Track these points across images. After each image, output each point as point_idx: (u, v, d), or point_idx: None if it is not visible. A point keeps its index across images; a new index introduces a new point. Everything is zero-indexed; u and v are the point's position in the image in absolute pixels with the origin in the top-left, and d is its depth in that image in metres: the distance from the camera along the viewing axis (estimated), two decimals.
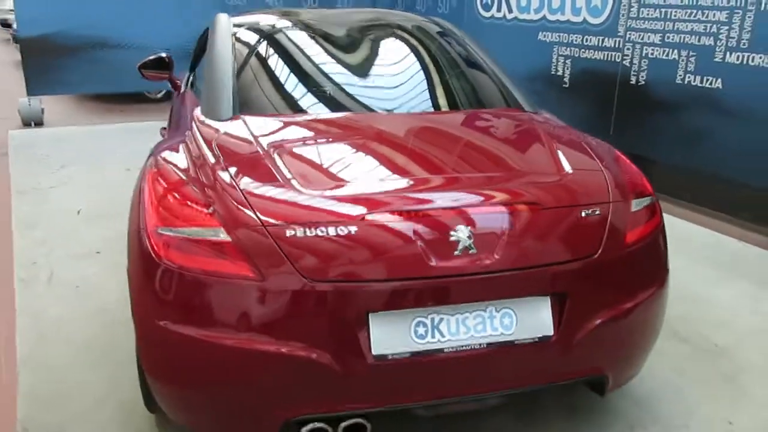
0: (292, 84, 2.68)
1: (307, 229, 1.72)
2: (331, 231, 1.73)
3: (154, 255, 1.80)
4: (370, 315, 1.72)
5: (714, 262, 3.77)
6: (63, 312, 3.04)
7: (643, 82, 4.80)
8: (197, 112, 2.50)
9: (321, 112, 2.53)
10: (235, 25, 2.98)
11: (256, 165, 2.03)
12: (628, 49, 4.89)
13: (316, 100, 2.59)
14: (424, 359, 1.75)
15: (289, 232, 1.72)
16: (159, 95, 8.30)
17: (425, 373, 1.78)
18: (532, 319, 1.83)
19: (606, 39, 5.06)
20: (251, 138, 2.19)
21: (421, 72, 2.87)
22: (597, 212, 1.93)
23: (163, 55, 3.82)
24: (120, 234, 3.74)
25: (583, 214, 1.92)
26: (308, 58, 2.82)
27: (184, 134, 2.38)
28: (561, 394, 2.43)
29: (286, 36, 2.99)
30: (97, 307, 3.09)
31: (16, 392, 2.45)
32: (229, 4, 7.45)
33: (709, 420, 2.36)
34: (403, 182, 1.96)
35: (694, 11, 4.37)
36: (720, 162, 4.30)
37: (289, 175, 1.94)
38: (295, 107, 2.56)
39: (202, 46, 3.62)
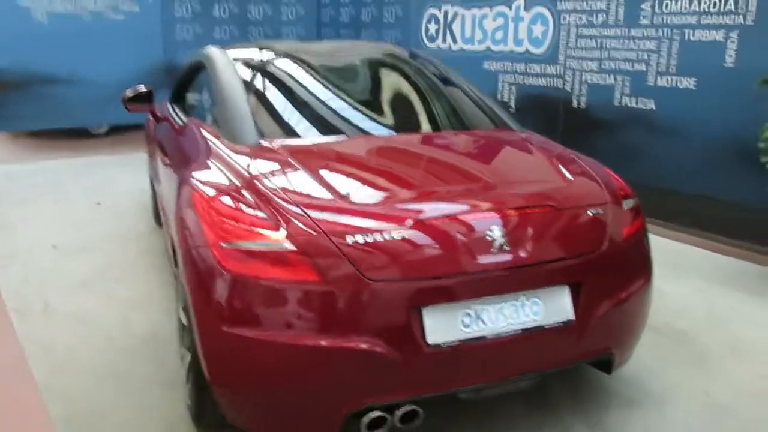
0: (304, 110, 2.89)
1: (364, 235, 1.94)
2: (385, 236, 1.95)
3: (220, 268, 1.96)
4: (423, 309, 1.95)
5: (658, 261, 4.20)
6: (70, 341, 3.06)
7: (584, 106, 5.30)
8: (217, 138, 2.66)
9: (338, 135, 2.75)
10: (234, 58, 3.17)
11: (302, 182, 2.22)
12: (568, 75, 5.39)
13: (330, 124, 2.82)
14: (471, 346, 1.99)
15: (348, 239, 1.93)
16: (103, 131, 8.19)
17: (472, 359, 2.02)
18: (555, 306, 2.11)
19: (548, 67, 5.55)
20: (286, 159, 2.38)
21: (423, 98, 3.17)
22: (600, 212, 2.26)
23: (146, 89, 3.93)
24: (106, 266, 3.84)
25: (590, 213, 2.24)
26: (313, 85, 3.04)
27: (207, 159, 2.54)
28: (564, 379, 2.72)
29: (286, 65, 3.20)
30: (104, 336, 3.12)
31: (47, 417, 2.48)
32: (178, 39, 7.52)
33: (691, 392, 2.71)
34: (437, 191, 2.21)
35: (627, 41, 4.91)
36: (655, 173, 4.81)
37: (336, 190, 2.15)
38: (312, 131, 2.77)
39: (186, 77, 3.79)
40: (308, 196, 2.12)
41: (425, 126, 2.97)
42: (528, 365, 2.13)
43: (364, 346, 1.90)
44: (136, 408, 2.55)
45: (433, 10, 6.64)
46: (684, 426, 2.48)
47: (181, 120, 3.37)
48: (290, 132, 2.73)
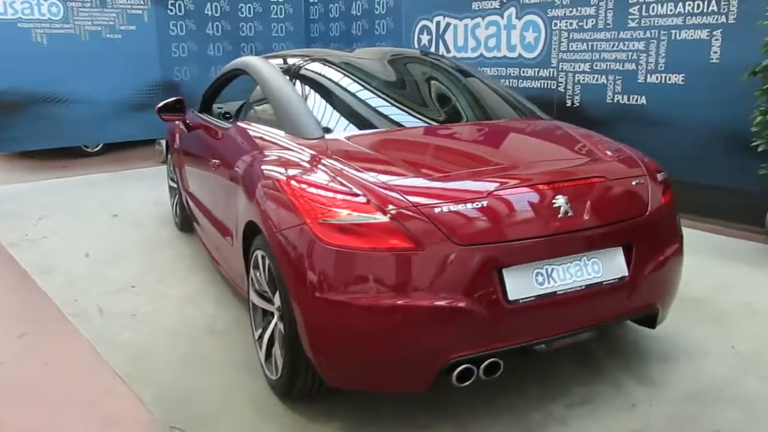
0: (356, 106, 3.13)
1: (448, 206, 2.18)
2: (468, 206, 2.20)
3: (321, 242, 2.18)
4: (503, 269, 2.19)
5: None
6: (138, 338, 3.21)
7: (578, 104, 5.66)
8: (280, 136, 2.88)
9: (390, 126, 3.00)
10: (277, 65, 3.40)
11: (377, 165, 2.46)
12: (561, 77, 5.76)
13: (381, 117, 3.06)
14: (544, 301, 2.24)
15: (436, 210, 2.17)
16: (97, 148, 8.25)
17: (544, 313, 2.27)
18: (612, 265, 2.38)
19: (541, 70, 5.91)
20: (355, 147, 2.62)
21: (461, 92, 3.44)
22: (641, 182, 2.55)
23: (177, 99, 4.14)
24: (145, 271, 4.00)
25: (634, 183, 2.53)
26: (358, 84, 3.28)
27: (278, 153, 2.75)
28: (603, 341, 2.99)
29: (327, 69, 3.43)
30: (168, 330, 3.28)
31: (137, 401, 2.63)
32: (174, 57, 7.68)
33: (717, 346, 3.00)
34: (503, 167, 2.48)
35: (617, 43, 5.30)
36: None
37: (411, 169, 2.39)
38: (367, 124, 3.00)
39: (218, 87, 4.01)
40: (388, 174, 2.35)
41: (468, 116, 3.25)
42: (590, 318, 2.39)
43: (456, 304, 2.13)
44: (220, 388, 2.72)
45: (425, 22, 6.96)
46: (719, 374, 2.77)
47: (225, 125, 3.57)
48: (347, 126, 2.96)
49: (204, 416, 2.53)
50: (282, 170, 2.55)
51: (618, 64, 5.32)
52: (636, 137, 5.24)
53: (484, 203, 2.22)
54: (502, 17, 6.17)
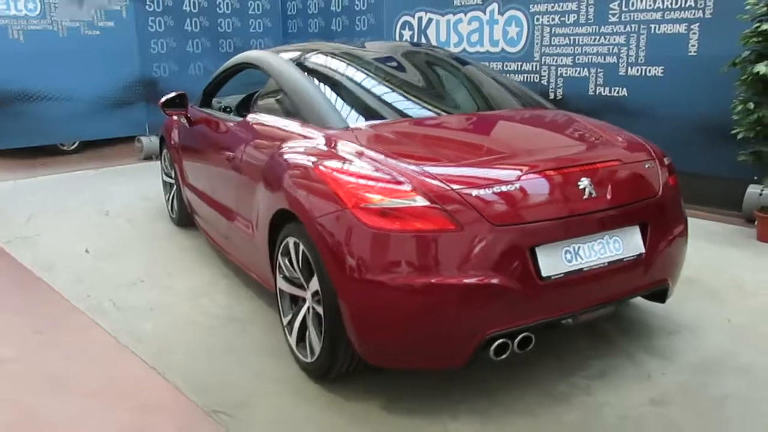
0: (373, 97, 3.22)
1: (484, 189, 2.31)
2: (502, 188, 2.32)
3: (364, 226, 2.27)
4: (536, 248, 2.33)
5: None
6: (159, 329, 3.23)
7: (560, 97, 5.86)
8: (303, 126, 2.95)
9: (410, 116, 3.10)
10: (290, 59, 3.46)
11: (409, 150, 2.56)
12: (544, 71, 5.95)
13: (400, 107, 3.15)
14: (572, 278, 2.38)
15: (473, 192, 2.29)
16: (74, 146, 8.11)
17: (572, 288, 2.41)
18: (631, 242, 2.54)
19: (524, 64, 6.09)
20: (383, 135, 2.72)
21: (471, 83, 3.57)
22: (652, 165, 2.72)
23: (179, 93, 4.16)
24: (150, 265, 4.02)
25: (646, 166, 2.70)
26: (373, 75, 3.37)
27: (304, 143, 2.82)
28: (611, 320, 3.16)
29: (340, 61, 3.50)
30: (186, 321, 3.32)
31: (173, 388, 2.68)
32: (153, 53, 7.61)
33: (714, 320, 3.21)
34: (529, 151, 2.61)
35: (598, 37, 5.51)
36: None
37: (442, 154, 2.51)
38: (387, 114, 3.09)
39: (221, 82, 4.05)
40: (422, 160, 2.45)
41: (482, 106, 3.38)
42: (612, 293, 2.55)
43: (494, 281, 2.25)
44: (251, 374, 2.79)
45: (406, 17, 7.07)
46: (720, 346, 2.96)
47: (235, 118, 3.62)
48: (368, 116, 3.05)
49: (241, 401, 2.59)
50: (315, 159, 2.62)
51: (599, 57, 5.54)
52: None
53: (517, 186, 2.35)
54: (485, 13, 6.34)
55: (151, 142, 7.70)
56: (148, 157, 7.70)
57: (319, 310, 2.54)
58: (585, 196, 2.43)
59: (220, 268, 4.03)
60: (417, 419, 2.45)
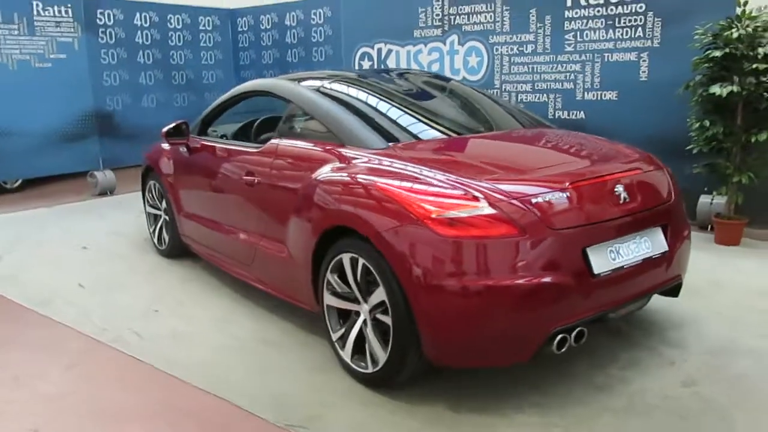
0: (401, 119, 3.39)
1: (540, 197, 2.54)
2: (555, 195, 2.57)
3: (436, 235, 2.44)
4: (587, 248, 2.58)
5: None
6: (194, 353, 3.23)
7: None
8: (341, 147, 3.09)
9: (441, 135, 3.31)
10: (309, 86, 3.62)
11: (459, 166, 2.77)
12: (505, 96, 6.35)
13: (429, 128, 3.35)
14: (617, 274, 2.65)
15: (532, 200, 2.52)
16: (17, 184, 7.74)
17: (617, 284, 2.68)
18: (657, 242, 2.85)
19: (485, 90, 6.47)
20: (428, 152, 2.91)
21: (484, 106, 3.83)
22: (662, 173, 3.06)
23: (182, 121, 4.20)
24: (156, 296, 4.02)
25: (659, 174, 3.03)
26: (395, 99, 3.57)
27: (349, 164, 2.96)
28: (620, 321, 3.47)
29: (360, 86, 3.68)
30: (220, 345, 3.32)
31: (235, 408, 2.70)
32: (105, 86, 7.45)
33: (708, 313, 3.57)
34: (567, 164, 2.89)
35: (555, 65, 5.98)
36: None
37: (493, 167, 2.75)
38: (420, 133, 3.28)
39: (221, 109, 4.14)
40: (476, 172, 2.67)
41: (502, 125, 3.63)
42: (644, 288, 2.84)
43: (557, 280, 2.47)
44: (308, 390, 2.85)
45: (365, 49, 7.34)
46: (721, 334, 3.32)
47: (254, 145, 3.70)
48: (403, 135, 3.21)
49: (311, 415, 2.65)
50: (371, 176, 2.77)
51: (557, 83, 6.00)
52: None
53: (566, 194, 2.60)
54: (445, 44, 6.71)
55: (105, 177, 7.48)
56: (103, 193, 7.47)
57: (386, 320, 2.66)
58: (621, 201, 2.71)
59: (234, 295, 4.03)
60: (484, 416, 2.61)
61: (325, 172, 3.01)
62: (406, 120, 3.38)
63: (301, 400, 2.77)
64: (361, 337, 2.85)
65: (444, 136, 3.30)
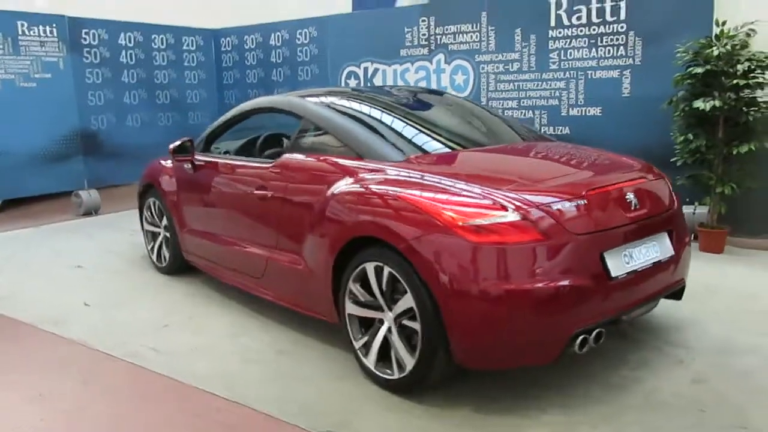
0: (413, 133, 3.49)
1: (560, 204, 2.67)
2: (575, 203, 2.70)
3: (464, 242, 2.54)
4: (604, 252, 2.71)
5: None
6: (214, 366, 3.24)
7: None
8: (358, 161, 3.18)
9: (453, 148, 3.41)
10: (323, 102, 3.71)
11: (480, 176, 2.88)
12: None
13: (441, 142, 3.46)
14: (631, 277, 2.78)
15: (553, 207, 2.64)
16: None
17: (631, 286, 2.80)
18: (664, 246, 3.00)
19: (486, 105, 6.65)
20: (447, 164, 3.02)
21: (489, 120, 3.98)
22: (665, 182, 3.23)
23: (188, 138, 4.25)
24: (165, 312, 4.03)
25: (662, 183, 3.20)
26: (405, 114, 3.68)
27: (370, 175, 3.04)
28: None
29: (371, 102, 3.77)
30: (238, 357, 3.35)
31: (266, 416, 2.73)
32: (91, 105, 7.40)
33: (707, 314, 3.75)
34: (580, 175, 3.02)
35: (540, 82, 6.19)
36: None
37: (511, 177, 2.86)
38: (432, 147, 3.38)
39: (226, 126, 4.20)
40: (496, 182, 2.78)
41: (506, 139, 3.76)
42: (654, 290, 2.97)
43: (579, 283, 2.59)
44: (335, 398, 2.90)
45: (352, 68, 7.46)
46: (722, 334, 3.48)
47: (265, 160, 3.77)
48: (418, 148, 3.32)
49: (341, 421, 2.70)
50: (394, 188, 2.86)
51: (543, 100, 6.21)
52: None
53: (584, 201, 2.73)
54: (431, 63, 6.88)
55: (90, 196, 7.41)
56: (88, 213, 7.39)
57: (413, 325, 2.74)
58: (632, 208, 2.86)
59: (242, 308, 4.05)
60: (511, 417, 2.70)
61: (346, 185, 3.09)
62: (418, 133, 3.49)
63: (327, 408, 2.82)
64: (385, 344, 2.91)
65: (456, 149, 3.41)
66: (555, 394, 2.87)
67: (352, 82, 7.49)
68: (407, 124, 3.57)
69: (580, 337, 2.65)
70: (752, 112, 4.79)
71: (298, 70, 7.99)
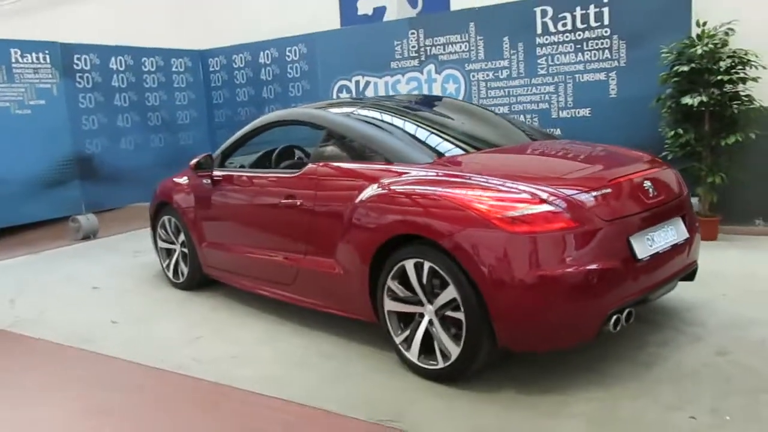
0: (436, 134, 3.69)
1: (590, 194, 2.87)
2: (601, 192, 2.91)
3: (506, 233, 2.73)
4: (630, 237, 2.91)
5: None
6: (257, 370, 3.36)
7: None
8: (388, 164, 3.35)
9: (474, 149, 3.60)
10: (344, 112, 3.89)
11: (511, 171, 3.08)
12: None
13: (463, 143, 3.64)
14: (654, 259, 3.00)
15: (583, 197, 2.84)
16: None
17: (654, 268, 3.02)
18: (679, 230, 3.23)
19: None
20: (475, 163, 3.22)
21: (501, 122, 4.19)
22: (671, 171, 3.46)
23: (207, 154, 4.39)
24: (192, 324, 4.16)
25: (671, 171, 3.43)
26: (422, 119, 3.87)
27: (401, 177, 3.21)
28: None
29: (388, 110, 3.96)
30: (280, 361, 3.47)
31: (327, 413, 2.86)
32: (84, 130, 7.43)
33: (713, 296, 3.98)
34: (599, 167, 3.24)
35: (530, 87, 6.45)
36: None
37: (539, 172, 3.06)
38: (451, 149, 3.56)
39: (244, 140, 4.34)
40: (525, 178, 2.97)
41: (518, 138, 3.97)
42: (674, 271, 3.19)
43: (611, 265, 2.79)
44: (380, 390, 3.05)
45: (343, 81, 7.64)
46: (733, 310, 3.73)
47: (289, 170, 3.91)
48: (443, 150, 3.49)
49: (396, 411, 2.83)
50: (435, 187, 3.03)
51: (533, 104, 6.47)
52: None
53: (609, 190, 2.94)
54: (422, 73, 7.10)
55: (88, 220, 7.41)
56: (86, 237, 7.38)
57: (457, 316, 2.89)
58: (651, 195, 3.08)
59: (270, 317, 4.15)
60: (555, 396, 2.87)
61: (380, 187, 3.25)
62: (439, 136, 3.67)
63: (380, 400, 2.95)
64: (427, 337, 3.06)
65: (475, 150, 3.60)
66: (589, 374, 3.06)
67: (345, 96, 7.67)
68: (426, 128, 3.76)
69: (614, 317, 2.84)
70: (736, 106, 5.10)
71: (288, 87, 8.13)
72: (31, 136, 6.89)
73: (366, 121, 3.74)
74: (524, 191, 2.84)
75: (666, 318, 3.68)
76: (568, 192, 2.86)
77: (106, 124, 7.69)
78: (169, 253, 5.04)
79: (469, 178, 3.03)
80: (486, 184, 2.95)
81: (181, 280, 4.92)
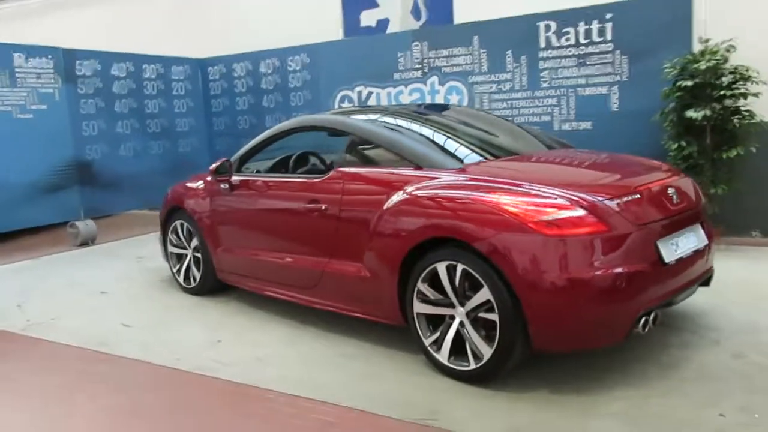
0: (461, 141, 3.77)
1: (618, 200, 2.96)
2: (630, 197, 3.00)
3: (542, 236, 2.80)
4: (657, 241, 3.01)
5: None
6: (284, 372, 3.38)
7: None
8: (418, 170, 3.41)
9: (496, 156, 3.68)
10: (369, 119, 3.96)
11: (539, 178, 3.16)
12: None
13: (486, 150, 3.72)
14: (679, 263, 3.09)
15: (613, 203, 2.93)
16: None
17: (679, 272, 3.11)
18: (699, 237, 3.34)
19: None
20: (500, 169, 3.33)
21: (516, 131, 4.29)
22: (690, 180, 3.58)
23: (225, 159, 4.42)
24: (208, 328, 4.15)
25: (690, 180, 3.55)
26: (443, 126, 3.95)
27: (433, 182, 3.27)
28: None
29: (411, 118, 4.03)
30: (305, 362, 3.49)
31: (362, 413, 2.88)
32: (85, 135, 7.39)
33: (724, 302, 4.09)
34: (624, 175, 3.34)
35: (533, 100, 6.58)
36: None
37: (567, 178, 3.16)
38: (482, 154, 3.64)
39: (262, 146, 4.38)
40: (554, 183, 3.05)
41: (538, 147, 4.06)
42: (695, 276, 3.29)
43: (641, 268, 2.87)
44: (413, 391, 3.09)
45: (345, 92, 7.70)
46: (745, 316, 3.83)
47: (314, 176, 3.96)
48: (470, 156, 3.55)
49: (431, 410, 2.87)
50: (468, 191, 3.10)
51: (535, 117, 6.59)
52: None
53: (638, 196, 3.03)
54: (425, 84, 7.19)
55: (87, 226, 7.34)
56: (85, 243, 7.31)
57: (491, 317, 2.95)
58: (675, 202, 3.18)
59: (288, 321, 4.16)
60: (586, 395, 2.94)
61: (411, 192, 3.30)
62: (464, 143, 3.75)
63: (413, 400, 2.99)
64: (457, 338, 3.11)
65: (497, 157, 3.67)
66: (617, 375, 3.13)
67: (346, 106, 7.73)
68: (451, 135, 3.83)
69: (643, 318, 2.92)
70: (737, 120, 5.27)
71: (290, 96, 8.18)
72: (32, 141, 6.83)
73: (392, 128, 3.80)
74: (559, 196, 2.92)
75: (683, 322, 3.78)
76: (600, 197, 2.94)
77: (106, 131, 7.65)
78: (179, 258, 5.03)
79: (502, 183, 3.10)
80: (520, 189, 3.02)
81: (193, 285, 4.91)
